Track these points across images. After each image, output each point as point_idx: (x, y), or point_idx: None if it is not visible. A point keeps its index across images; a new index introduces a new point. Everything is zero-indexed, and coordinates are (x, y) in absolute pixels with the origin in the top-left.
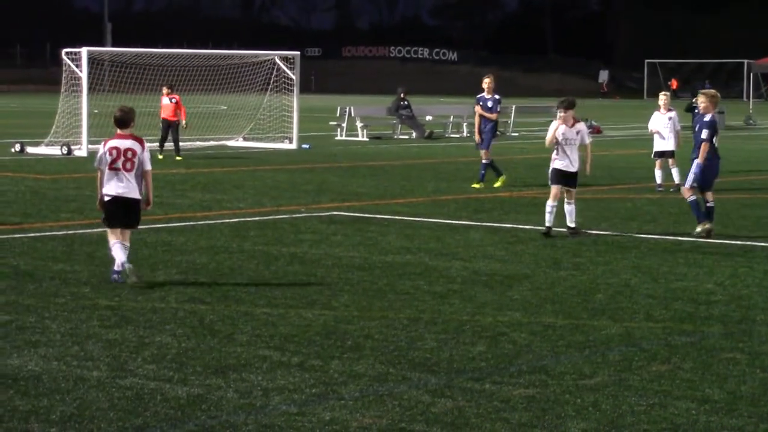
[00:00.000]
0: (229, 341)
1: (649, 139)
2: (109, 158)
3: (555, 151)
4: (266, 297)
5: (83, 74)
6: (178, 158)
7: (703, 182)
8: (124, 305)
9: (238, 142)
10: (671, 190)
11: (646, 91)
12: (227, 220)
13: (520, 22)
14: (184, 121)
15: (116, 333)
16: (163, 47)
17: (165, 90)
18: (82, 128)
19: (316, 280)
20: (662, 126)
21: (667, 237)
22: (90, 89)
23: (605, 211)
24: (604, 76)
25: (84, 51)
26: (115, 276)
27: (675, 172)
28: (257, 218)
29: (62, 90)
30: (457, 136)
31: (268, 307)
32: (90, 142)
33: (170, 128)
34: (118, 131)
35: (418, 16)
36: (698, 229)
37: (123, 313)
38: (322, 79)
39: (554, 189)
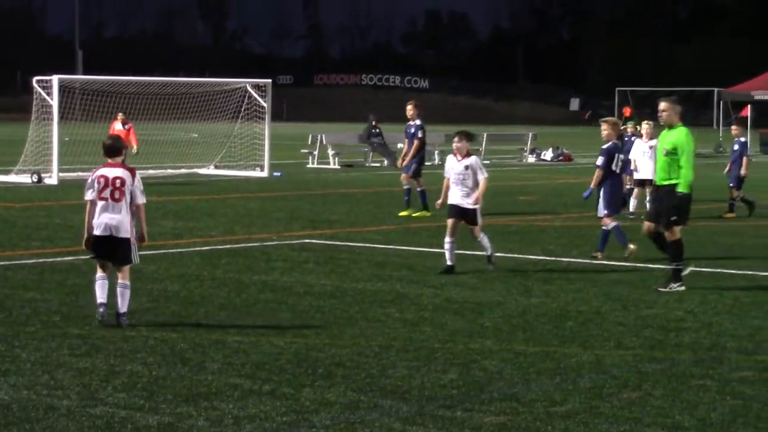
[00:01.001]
0: (200, 369)
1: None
2: (97, 186)
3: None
4: (237, 325)
5: (54, 102)
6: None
7: (609, 207)
8: (95, 334)
9: (210, 170)
10: (642, 218)
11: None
12: (199, 248)
13: (491, 50)
14: (134, 148)
15: (87, 361)
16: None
17: (120, 116)
18: (52, 156)
19: (288, 307)
20: (642, 154)
21: (637, 264)
22: (61, 117)
23: (576, 238)
24: (575, 103)
25: (55, 79)
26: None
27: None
28: (229, 246)
29: (33, 118)
30: (429, 163)
31: (239, 335)
32: (61, 170)
33: None
34: (108, 160)
35: (389, 44)
36: (626, 254)
37: (93, 342)
38: (293, 106)
39: (448, 223)
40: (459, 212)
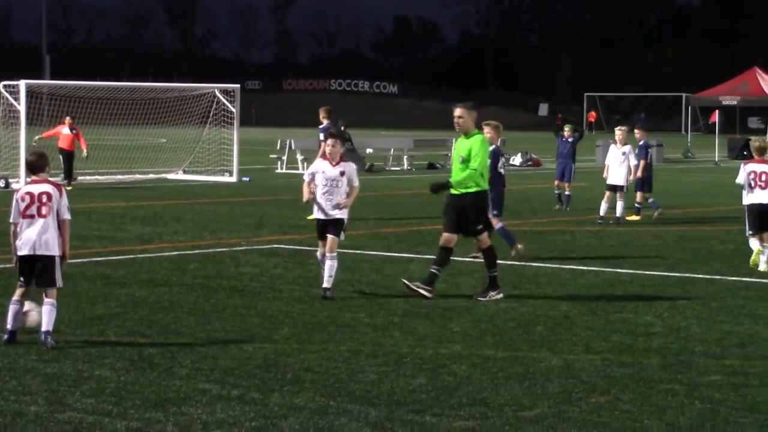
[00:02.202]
0: (168, 375)
1: (587, 172)
2: (22, 205)
3: None
4: (206, 330)
5: (21, 107)
6: (68, 188)
7: (502, 208)
8: (62, 339)
9: (178, 175)
10: (611, 222)
11: (585, 124)
12: (167, 254)
13: (460, 56)
14: (85, 152)
15: (54, 367)
16: (102, 80)
17: (67, 120)
18: (20, 161)
19: (257, 312)
20: (615, 160)
21: (606, 269)
22: (29, 122)
23: (545, 243)
24: (544, 109)
25: (22, 84)
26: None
27: (619, 206)
28: (197, 251)
29: (0, 123)
30: (398, 168)
31: (207, 340)
32: (28, 176)
33: (69, 158)
34: (33, 177)
35: (358, 50)
36: (513, 253)
37: (61, 347)
38: (262, 112)
39: (321, 246)
40: (323, 224)
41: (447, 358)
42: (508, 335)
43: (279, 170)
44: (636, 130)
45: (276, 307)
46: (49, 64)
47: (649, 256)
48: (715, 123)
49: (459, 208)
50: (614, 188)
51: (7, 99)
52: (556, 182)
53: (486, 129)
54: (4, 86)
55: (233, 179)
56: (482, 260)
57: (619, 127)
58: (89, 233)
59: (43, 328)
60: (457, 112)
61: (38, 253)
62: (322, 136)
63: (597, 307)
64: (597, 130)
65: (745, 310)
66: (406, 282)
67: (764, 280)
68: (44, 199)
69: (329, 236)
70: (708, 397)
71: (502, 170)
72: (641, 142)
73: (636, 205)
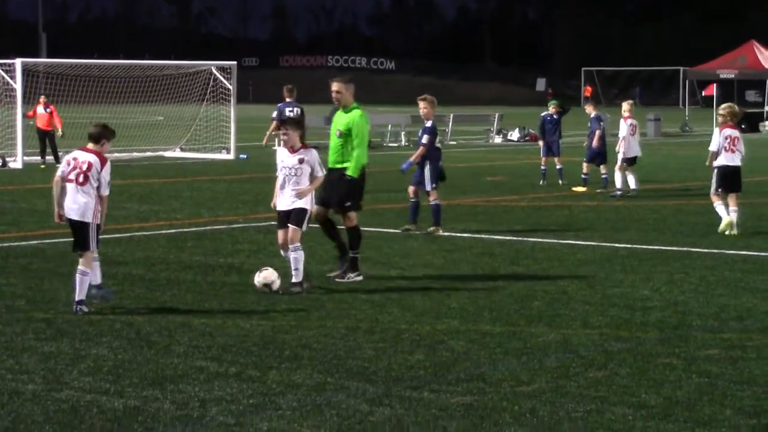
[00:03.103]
0: (165, 352)
1: (583, 146)
2: (67, 168)
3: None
4: (203, 307)
5: (18, 86)
6: (58, 165)
7: (420, 180)
8: (60, 318)
9: (175, 153)
10: (628, 195)
11: (582, 99)
12: (164, 231)
13: (457, 31)
14: (60, 131)
15: (52, 346)
16: (99, 58)
17: (42, 99)
18: (17, 140)
19: (254, 290)
20: (625, 133)
21: (603, 244)
22: (25, 101)
23: (542, 218)
24: (542, 84)
25: (18, 62)
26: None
27: (631, 179)
28: (194, 229)
29: None
30: (395, 145)
31: (205, 317)
32: (25, 154)
33: (46, 137)
34: (88, 145)
35: (355, 26)
36: (431, 229)
37: (58, 326)
38: (259, 89)
39: (279, 236)
40: (284, 216)
41: (444, 334)
42: (506, 311)
43: (276, 147)
44: (587, 105)
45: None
46: (46, 42)
47: (647, 230)
48: (712, 96)
49: (333, 182)
50: (629, 161)
51: (3, 77)
52: (543, 159)
53: (422, 104)
54: (0, 65)
55: (231, 156)
56: (339, 278)
57: (627, 101)
58: None
59: (77, 298)
60: (335, 86)
61: (72, 217)
62: (274, 114)
63: (594, 281)
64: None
65: (742, 284)
66: (339, 280)
67: (762, 254)
68: (85, 167)
69: (290, 227)
70: (705, 370)
71: (439, 145)
72: (592, 115)
73: (583, 176)
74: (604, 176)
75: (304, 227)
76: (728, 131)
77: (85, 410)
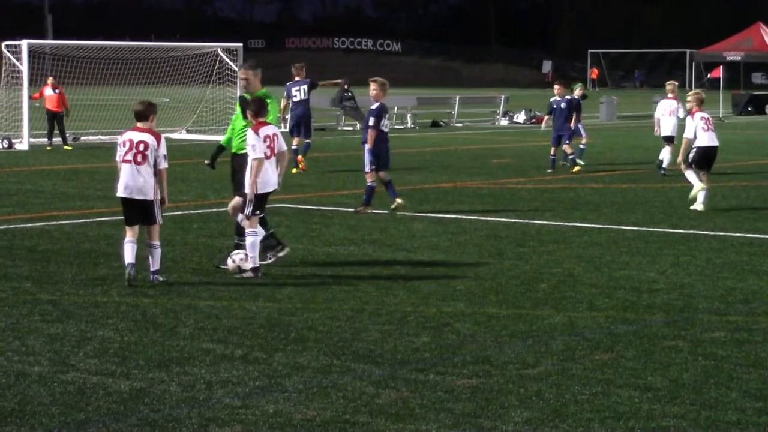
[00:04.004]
0: (172, 334)
1: (591, 129)
2: (123, 150)
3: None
4: (209, 290)
5: (24, 67)
6: (66, 147)
7: (380, 163)
8: (66, 299)
9: (182, 135)
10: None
11: (588, 81)
12: (171, 213)
13: (463, 13)
14: (64, 111)
15: (58, 327)
16: (104, 39)
17: (50, 81)
18: (23, 122)
19: (260, 272)
20: (664, 112)
21: (610, 226)
22: (31, 82)
23: (548, 201)
24: (548, 66)
25: (24, 43)
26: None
27: (666, 157)
28: (201, 211)
29: (2, 83)
30: (401, 127)
31: (211, 299)
32: (31, 136)
33: (55, 119)
34: (137, 124)
35: (361, 8)
36: (361, 208)
37: (64, 308)
38: (265, 71)
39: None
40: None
41: (450, 317)
42: (512, 293)
43: (282, 129)
44: (556, 86)
45: (279, 266)
46: (52, 24)
47: (653, 213)
48: (718, 78)
49: (237, 166)
50: (667, 139)
51: (9, 59)
52: (553, 148)
53: (372, 86)
54: (6, 46)
55: None
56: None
57: (670, 81)
58: (92, 193)
59: (152, 268)
60: (242, 74)
61: (134, 197)
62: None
63: (601, 264)
64: (600, 87)
65: (748, 267)
66: (266, 262)
67: None
68: (141, 147)
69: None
70: (711, 353)
71: (385, 128)
72: (559, 97)
73: (570, 156)
74: (571, 156)
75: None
76: (701, 114)
77: (91, 392)
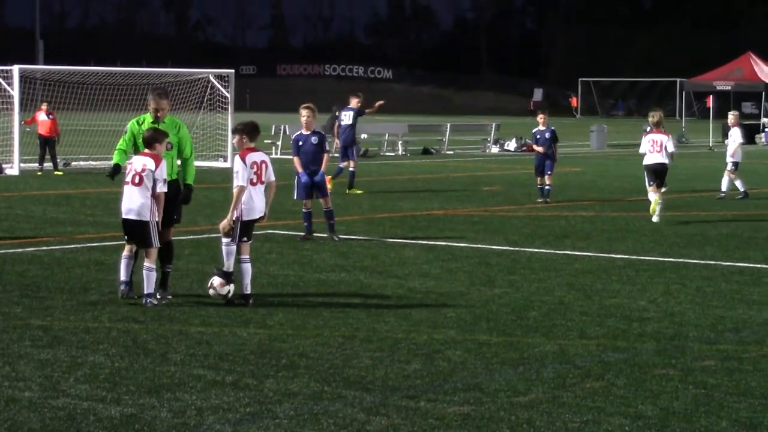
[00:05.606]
0: (162, 360)
1: (580, 157)
2: (128, 174)
3: None
4: (200, 316)
5: (15, 92)
6: (57, 173)
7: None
8: (56, 325)
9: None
10: (737, 198)
11: (579, 109)
12: None
13: (455, 41)
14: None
15: (48, 353)
16: (96, 65)
17: (44, 106)
18: (14, 147)
19: (251, 300)
20: (732, 142)
21: (600, 254)
22: (22, 107)
23: (539, 228)
24: (538, 94)
25: (15, 68)
26: (122, 288)
27: (725, 181)
28: (192, 237)
29: None
30: (392, 154)
31: (202, 325)
32: (22, 161)
33: (47, 144)
34: (145, 150)
35: (353, 35)
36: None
37: (55, 333)
38: (257, 97)
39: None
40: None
41: (441, 344)
42: (503, 321)
43: (274, 155)
44: (539, 116)
45: (270, 292)
46: (43, 49)
47: (644, 241)
48: (709, 108)
49: (170, 193)
50: (736, 165)
51: (0, 84)
52: (538, 179)
53: (303, 112)
54: None
55: (228, 164)
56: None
57: (732, 112)
58: (83, 219)
59: (145, 291)
60: (152, 105)
61: (131, 217)
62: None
63: (591, 292)
64: (586, 115)
65: (738, 295)
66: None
67: (758, 265)
68: (139, 169)
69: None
70: (702, 382)
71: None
72: (543, 128)
73: (539, 187)
74: (547, 188)
75: (232, 238)
76: (653, 136)
77: (81, 418)
